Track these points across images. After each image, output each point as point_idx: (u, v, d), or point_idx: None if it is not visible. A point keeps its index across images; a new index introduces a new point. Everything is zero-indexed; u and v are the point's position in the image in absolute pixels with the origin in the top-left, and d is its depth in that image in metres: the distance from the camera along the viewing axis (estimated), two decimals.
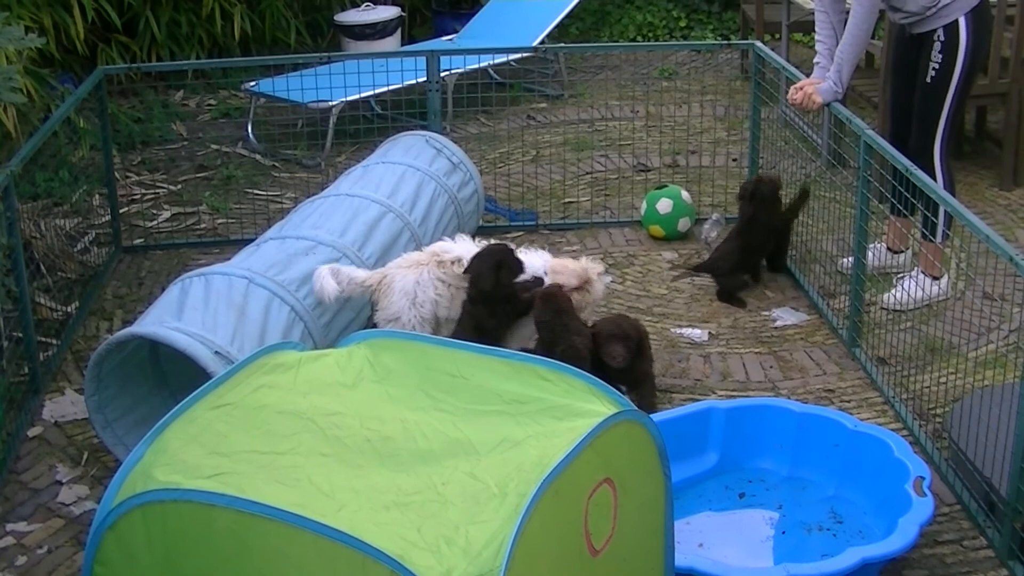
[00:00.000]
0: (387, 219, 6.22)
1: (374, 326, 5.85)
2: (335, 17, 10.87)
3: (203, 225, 7.75)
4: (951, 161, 6.35)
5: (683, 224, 7.36)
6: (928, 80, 6.17)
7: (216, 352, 4.91)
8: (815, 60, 6.47)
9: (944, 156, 6.24)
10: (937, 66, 6.13)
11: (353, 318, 5.82)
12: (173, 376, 5.46)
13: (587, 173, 8.46)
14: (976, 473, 4.73)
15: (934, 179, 6.10)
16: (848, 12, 6.27)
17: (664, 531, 3.77)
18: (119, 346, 5.10)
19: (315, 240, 5.85)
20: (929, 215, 5.84)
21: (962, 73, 6.13)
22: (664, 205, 7.33)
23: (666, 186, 7.52)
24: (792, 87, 6.51)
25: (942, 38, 6.10)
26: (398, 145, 6.98)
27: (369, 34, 10.63)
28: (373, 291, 5.65)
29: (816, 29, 6.46)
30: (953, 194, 6.20)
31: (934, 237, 6.15)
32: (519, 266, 5.61)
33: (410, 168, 6.65)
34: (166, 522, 3.28)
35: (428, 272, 5.67)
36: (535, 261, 5.78)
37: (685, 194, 7.40)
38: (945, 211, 5.46)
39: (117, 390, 5.26)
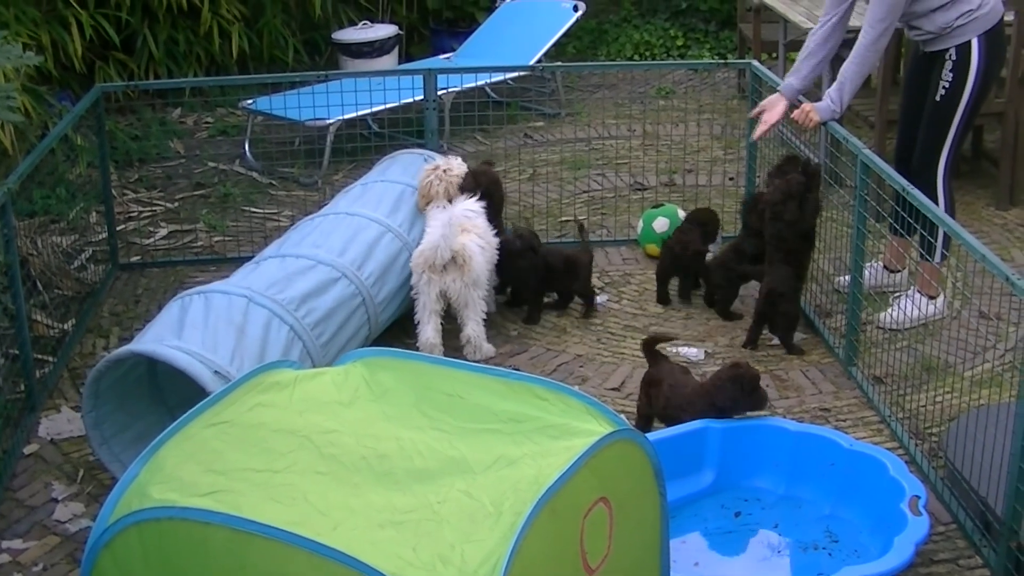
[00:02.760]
0: (386, 238, 6.23)
1: (373, 344, 5.86)
2: (333, 35, 10.89)
3: (200, 243, 7.75)
4: (952, 182, 6.36)
5: None
6: (937, 99, 6.17)
7: (216, 372, 4.92)
8: (787, 75, 6.56)
9: (947, 176, 6.23)
10: (947, 85, 6.13)
11: (352, 336, 5.82)
12: (170, 393, 5.46)
13: (584, 192, 8.46)
14: (972, 492, 4.73)
15: (935, 199, 6.12)
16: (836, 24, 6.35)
17: (660, 550, 3.78)
18: (117, 363, 5.10)
19: (315, 259, 5.85)
20: (927, 236, 5.85)
21: (972, 94, 6.12)
22: (660, 224, 7.33)
23: (663, 205, 7.52)
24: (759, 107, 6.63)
25: (954, 57, 6.10)
26: (396, 163, 6.99)
27: (367, 52, 10.65)
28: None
29: (808, 35, 6.52)
30: (953, 215, 6.21)
31: (932, 257, 6.15)
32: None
33: (408, 187, 6.65)
34: (162, 540, 3.28)
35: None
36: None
37: (681, 213, 7.39)
38: (944, 232, 5.48)
39: (114, 407, 5.25)
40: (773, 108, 6.52)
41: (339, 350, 5.69)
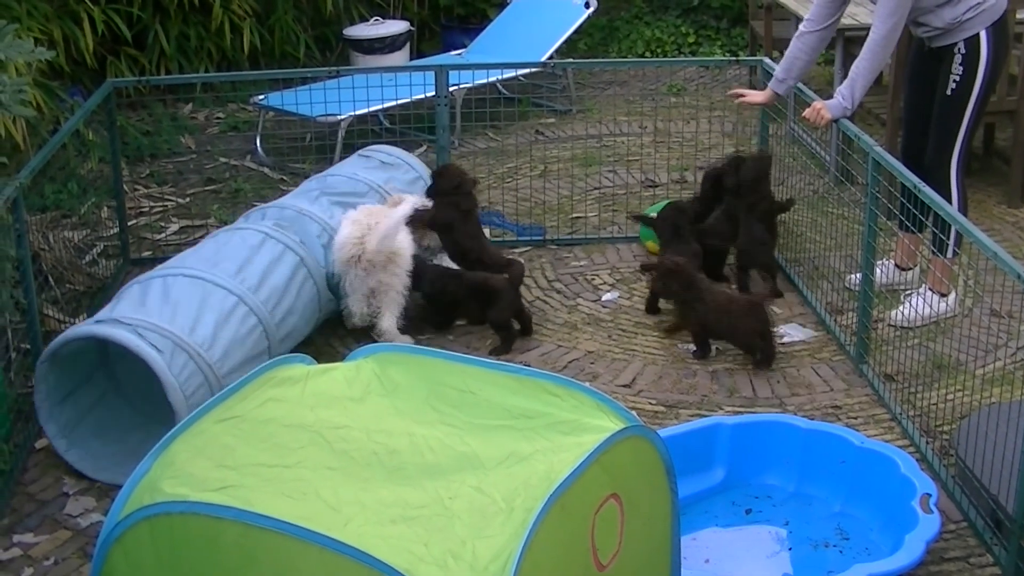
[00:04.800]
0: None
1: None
2: (344, 31, 10.89)
3: None
4: (965, 178, 6.34)
5: None
6: (948, 93, 6.16)
7: (99, 321, 5.17)
8: (775, 72, 6.61)
9: (960, 171, 6.23)
10: (958, 78, 6.12)
11: (299, 291, 6.00)
12: (157, 416, 5.48)
13: (595, 188, 8.46)
14: (983, 490, 4.73)
15: (948, 194, 6.12)
16: (826, 28, 6.37)
17: (671, 547, 3.77)
18: (45, 385, 5.27)
19: (256, 230, 6.13)
20: (938, 232, 5.84)
21: (982, 86, 6.13)
22: None
23: (661, 202, 7.48)
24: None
25: (963, 51, 6.09)
26: (347, 162, 7.30)
27: (378, 48, 10.65)
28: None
29: (792, 40, 6.55)
30: (966, 210, 6.22)
31: (944, 253, 6.14)
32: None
33: (332, 176, 6.94)
34: (173, 535, 3.29)
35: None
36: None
37: None
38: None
39: (101, 444, 5.41)
40: (755, 95, 6.66)
41: (293, 300, 5.91)
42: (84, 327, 5.21)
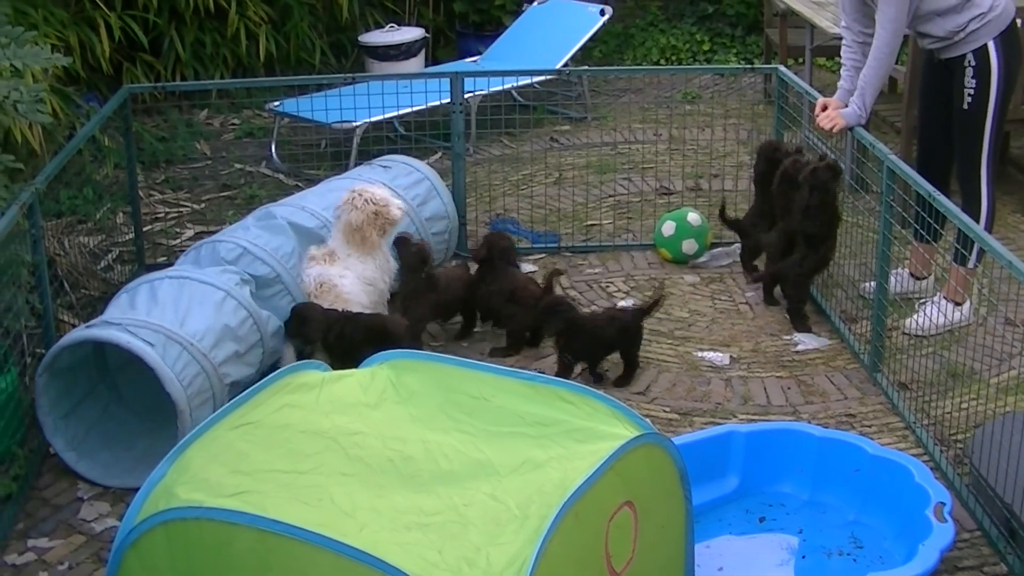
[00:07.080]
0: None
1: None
2: (359, 38, 10.91)
3: None
4: (995, 188, 6.31)
5: (688, 246, 7.26)
6: (965, 107, 6.15)
7: (89, 326, 5.22)
8: (839, 83, 6.49)
9: (990, 182, 6.19)
10: (972, 92, 6.11)
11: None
12: (162, 423, 5.49)
13: (610, 196, 8.46)
14: (997, 499, 4.72)
15: (979, 205, 6.12)
16: (869, 33, 6.30)
17: (684, 554, 3.78)
18: (46, 398, 5.26)
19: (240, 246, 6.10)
20: (958, 243, 5.82)
21: (998, 96, 6.11)
22: (668, 228, 7.29)
23: (679, 209, 7.48)
24: (818, 103, 6.53)
25: (973, 63, 6.09)
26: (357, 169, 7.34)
27: (393, 55, 10.66)
28: None
29: (842, 52, 6.48)
30: (992, 222, 6.21)
31: (967, 262, 6.12)
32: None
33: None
34: (188, 540, 3.30)
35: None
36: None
37: (692, 216, 7.33)
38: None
39: (109, 455, 5.41)
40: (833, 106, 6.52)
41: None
42: (75, 332, 5.24)
